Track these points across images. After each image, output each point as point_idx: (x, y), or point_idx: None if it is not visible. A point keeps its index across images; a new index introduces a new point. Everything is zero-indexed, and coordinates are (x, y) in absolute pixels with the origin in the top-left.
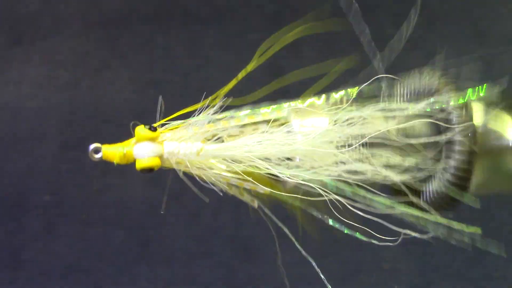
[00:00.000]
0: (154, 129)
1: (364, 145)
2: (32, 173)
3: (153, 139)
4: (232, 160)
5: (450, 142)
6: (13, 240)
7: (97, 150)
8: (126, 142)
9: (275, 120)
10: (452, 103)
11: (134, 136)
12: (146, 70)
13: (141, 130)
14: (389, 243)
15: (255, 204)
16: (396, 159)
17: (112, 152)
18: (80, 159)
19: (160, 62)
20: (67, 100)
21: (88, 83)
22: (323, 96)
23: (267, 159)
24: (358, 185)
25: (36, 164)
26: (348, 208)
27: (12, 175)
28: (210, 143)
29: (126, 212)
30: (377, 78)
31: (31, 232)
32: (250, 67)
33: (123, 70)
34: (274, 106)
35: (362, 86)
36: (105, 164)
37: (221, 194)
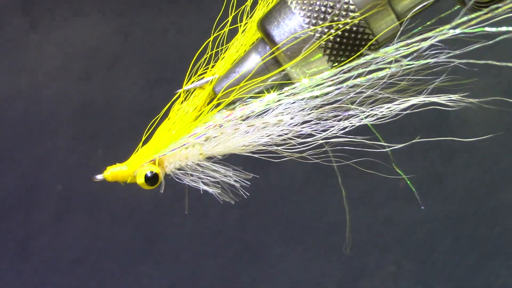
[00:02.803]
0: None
1: None
2: (45, 163)
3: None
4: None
5: None
6: (22, 231)
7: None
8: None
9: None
10: None
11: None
12: (157, 66)
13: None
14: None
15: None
16: None
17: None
18: (90, 151)
19: (171, 57)
20: (79, 92)
21: (100, 76)
22: None
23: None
24: None
25: (48, 155)
26: None
27: (24, 165)
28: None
29: (134, 209)
30: None
31: (40, 223)
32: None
33: (135, 65)
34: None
35: None
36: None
37: (221, 202)
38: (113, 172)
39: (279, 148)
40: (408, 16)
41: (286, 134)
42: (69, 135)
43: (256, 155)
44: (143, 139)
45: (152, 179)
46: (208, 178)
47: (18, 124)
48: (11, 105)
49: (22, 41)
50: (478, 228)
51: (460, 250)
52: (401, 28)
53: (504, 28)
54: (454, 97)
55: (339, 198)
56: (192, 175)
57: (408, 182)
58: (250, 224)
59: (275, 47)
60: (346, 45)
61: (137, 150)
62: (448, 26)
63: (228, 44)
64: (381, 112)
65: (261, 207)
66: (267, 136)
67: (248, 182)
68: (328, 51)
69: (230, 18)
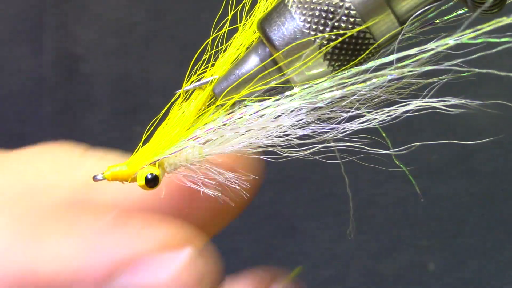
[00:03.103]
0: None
1: None
2: (83, 137)
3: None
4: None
5: None
6: None
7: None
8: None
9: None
10: None
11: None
12: (192, 44)
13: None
14: None
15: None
16: None
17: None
18: (129, 127)
19: (205, 38)
20: (116, 66)
21: (136, 52)
22: None
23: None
24: None
25: (87, 129)
26: None
27: (63, 139)
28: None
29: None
30: None
31: None
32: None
33: (170, 43)
34: None
35: None
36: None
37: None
38: (113, 172)
39: (279, 148)
40: (410, 20)
41: (287, 135)
42: (107, 109)
43: (256, 156)
44: (143, 138)
45: (152, 181)
46: (209, 179)
47: (56, 97)
48: (50, 76)
49: (57, 14)
50: (506, 203)
51: (490, 225)
52: (403, 32)
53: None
54: (455, 101)
55: (372, 173)
56: (193, 177)
57: (410, 176)
58: (285, 199)
59: (275, 51)
60: (347, 50)
61: (137, 150)
62: (449, 39)
63: (227, 44)
64: (382, 114)
65: (296, 183)
66: (267, 137)
67: (249, 185)
68: (328, 56)
69: (229, 17)
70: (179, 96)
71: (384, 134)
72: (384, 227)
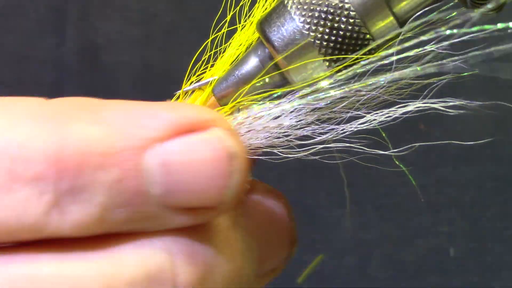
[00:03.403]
0: None
1: None
2: None
3: None
4: None
5: None
6: None
7: None
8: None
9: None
10: None
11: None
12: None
13: None
14: None
15: None
16: None
17: None
18: None
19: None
20: (139, 56)
21: (158, 43)
22: None
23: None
24: None
25: None
26: None
27: None
28: None
29: None
30: None
31: None
32: None
33: (191, 33)
34: None
35: None
36: None
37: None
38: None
39: (279, 148)
40: (410, 21)
41: (287, 135)
42: (129, 99)
43: (254, 157)
44: None
45: None
46: None
47: (78, 86)
48: (72, 66)
49: (81, 8)
50: None
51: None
52: (402, 32)
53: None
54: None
55: (393, 163)
56: None
57: (410, 176)
58: (308, 186)
59: (275, 52)
60: (347, 50)
61: None
62: (445, 27)
63: (227, 44)
64: (381, 115)
65: (318, 171)
66: (267, 138)
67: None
68: (328, 56)
69: (228, 18)
70: (178, 97)
71: (384, 134)
72: (405, 214)
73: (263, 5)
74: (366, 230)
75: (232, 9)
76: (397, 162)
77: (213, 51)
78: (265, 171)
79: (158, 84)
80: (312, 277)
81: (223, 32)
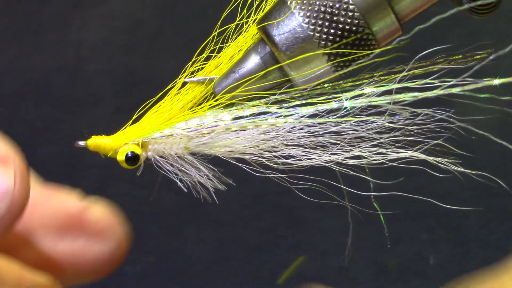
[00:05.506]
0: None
1: None
2: (88, 134)
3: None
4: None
5: None
6: None
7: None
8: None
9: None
10: None
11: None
12: (198, 40)
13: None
14: None
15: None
16: None
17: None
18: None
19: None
20: (123, 64)
21: (143, 49)
22: None
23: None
24: None
25: (91, 126)
26: None
27: (68, 135)
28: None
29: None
30: None
31: (84, 190)
32: None
33: (177, 39)
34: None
35: None
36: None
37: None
38: (97, 142)
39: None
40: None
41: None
42: (112, 106)
43: (238, 164)
44: (133, 117)
45: (132, 159)
46: (187, 172)
47: (63, 96)
48: (56, 79)
49: (67, 17)
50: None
51: (493, 217)
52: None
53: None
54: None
55: (374, 170)
56: (172, 165)
57: (382, 219)
58: (290, 189)
59: (275, 48)
60: (346, 45)
61: (125, 127)
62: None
63: (229, 41)
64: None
65: (301, 174)
66: (255, 146)
67: (225, 187)
68: (328, 50)
69: (224, 13)
70: (182, 85)
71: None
72: (388, 220)
73: (264, 4)
74: (345, 234)
75: (230, 9)
76: (375, 205)
77: (212, 48)
78: (247, 175)
79: (141, 91)
80: (293, 278)
81: (228, 28)
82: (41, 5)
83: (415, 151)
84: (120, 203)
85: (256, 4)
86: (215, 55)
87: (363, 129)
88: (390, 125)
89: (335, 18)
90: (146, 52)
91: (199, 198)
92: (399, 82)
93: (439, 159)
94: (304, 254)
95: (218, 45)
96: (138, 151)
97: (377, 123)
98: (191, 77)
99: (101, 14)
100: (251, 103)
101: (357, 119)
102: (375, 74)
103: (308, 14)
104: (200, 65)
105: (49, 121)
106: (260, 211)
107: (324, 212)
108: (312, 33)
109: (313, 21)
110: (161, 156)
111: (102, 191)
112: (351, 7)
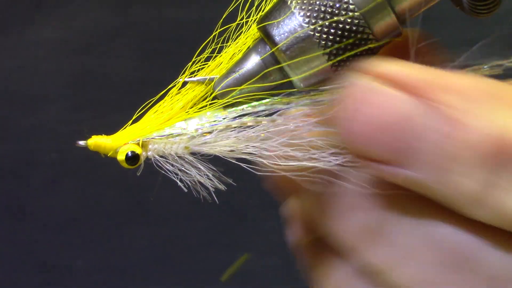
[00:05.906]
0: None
1: None
2: (41, 132)
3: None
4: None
5: None
6: (19, 193)
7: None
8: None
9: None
10: None
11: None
12: (155, 40)
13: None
14: None
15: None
16: None
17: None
18: (87, 121)
19: (169, 32)
20: (79, 64)
21: (100, 49)
22: None
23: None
24: None
25: (45, 124)
26: None
27: (21, 132)
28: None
29: (125, 173)
30: None
31: (36, 187)
32: None
33: (134, 38)
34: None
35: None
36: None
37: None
38: (97, 142)
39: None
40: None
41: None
42: (66, 105)
43: (240, 163)
44: (134, 117)
45: (132, 159)
46: (187, 172)
47: (17, 95)
48: (12, 79)
49: (27, 19)
50: None
51: None
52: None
53: None
54: None
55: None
56: (172, 165)
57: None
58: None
59: (275, 47)
60: (346, 44)
61: (125, 127)
62: None
63: (230, 41)
64: None
65: (245, 175)
66: (255, 146)
67: (225, 187)
68: (328, 49)
69: (227, 12)
70: (182, 85)
71: None
72: None
73: (264, 4)
74: (284, 232)
75: (230, 9)
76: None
77: (213, 47)
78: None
79: (95, 91)
80: (237, 276)
81: (221, 31)
82: (3, 5)
83: None
84: (70, 199)
85: (256, 4)
86: (215, 55)
87: None
88: None
89: (335, 17)
90: (102, 52)
91: (144, 196)
92: None
93: None
94: (247, 252)
95: (219, 45)
96: (138, 150)
97: None
98: (191, 77)
99: (60, 16)
100: (255, 103)
101: None
102: None
103: (308, 14)
104: (200, 65)
105: (2, 120)
106: (205, 209)
107: (264, 212)
108: (312, 33)
109: (313, 21)
110: (161, 156)
111: (53, 188)
112: (351, 7)
